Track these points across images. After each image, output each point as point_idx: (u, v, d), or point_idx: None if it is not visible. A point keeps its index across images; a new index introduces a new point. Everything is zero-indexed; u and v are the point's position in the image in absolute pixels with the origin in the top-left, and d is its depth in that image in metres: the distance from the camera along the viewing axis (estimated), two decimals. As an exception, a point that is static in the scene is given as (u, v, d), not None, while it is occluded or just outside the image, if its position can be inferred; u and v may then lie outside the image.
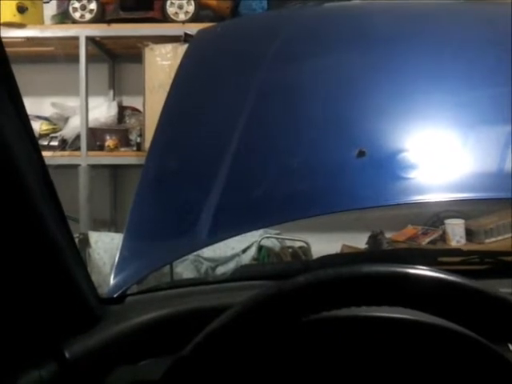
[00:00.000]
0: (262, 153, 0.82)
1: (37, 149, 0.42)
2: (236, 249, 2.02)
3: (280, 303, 0.35)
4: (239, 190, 0.78)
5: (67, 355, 0.45)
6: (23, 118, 0.40)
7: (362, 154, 0.76)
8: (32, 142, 0.41)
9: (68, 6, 2.39)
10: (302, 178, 0.79)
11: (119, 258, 0.69)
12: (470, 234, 2.22)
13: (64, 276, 0.45)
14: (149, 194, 0.82)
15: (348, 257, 1.06)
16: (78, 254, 0.47)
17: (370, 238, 2.16)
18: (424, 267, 0.35)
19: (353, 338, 0.44)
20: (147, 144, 2.24)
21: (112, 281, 0.66)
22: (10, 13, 2.24)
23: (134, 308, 0.57)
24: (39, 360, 0.44)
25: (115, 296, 0.62)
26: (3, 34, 2.19)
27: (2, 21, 2.22)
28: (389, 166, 0.76)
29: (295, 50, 0.98)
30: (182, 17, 2.36)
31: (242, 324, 0.36)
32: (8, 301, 0.42)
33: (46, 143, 2.28)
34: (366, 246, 2.16)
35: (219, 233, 0.74)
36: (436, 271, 0.35)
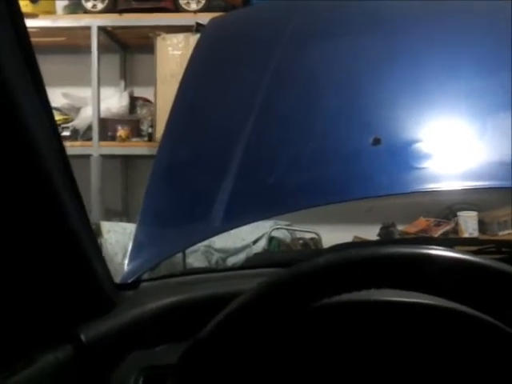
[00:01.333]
0: (275, 140, 0.81)
1: (58, 137, 0.42)
2: (247, 240, 2.02)
3: (300, 284, 0.35)
4: (252, 178, 0.78)
5: (83, 339, 0.45)
6: (47, 108, 0.40)
7: (377, 141, 0.76)
8: (54, 130, 0.41)
9: (80, -5, 2.39)
10: (316, 166, 0.78)
11: (133, 244, 0.69)
12: (483, 226, 2.19)
13: (81, 261, 0.45)
14: (162, 182, 0.82)
15: (361, 245, 1.06)
16: (94, 239, 0.47)
17: (381, 229, 2.15)
18: (448, 248, 0.34)
19: (366, 322, 0.43)
20: (158, 134, 2.24)
21: (126, 267, 0.66)
22: (22, 3, 2.24)
23: (148, 294, 0.57)
24: (56, 343, 0.45)
25: (129, 282, 0.62)
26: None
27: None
28: (404, 154, 0.75)
29: (307, 37, 0.97)
30: (193, 6, 2.35)
31: (262, 304, 0.36)
32: (27, 284, 0.42)
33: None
34: (378, 237, 2.15)
35: (232, 220, 0.74)
36: (460, 252, 0.34)
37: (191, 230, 0.73)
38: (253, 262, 0.83)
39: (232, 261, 1.99)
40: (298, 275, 0.35)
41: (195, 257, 1.91)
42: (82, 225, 0.45)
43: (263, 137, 0.83)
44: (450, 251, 0.34)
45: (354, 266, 0.33)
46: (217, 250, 1.97)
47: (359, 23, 0.93)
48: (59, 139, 0.43)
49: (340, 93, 0.84)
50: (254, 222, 0.86)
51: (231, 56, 1.00)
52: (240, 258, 2.00)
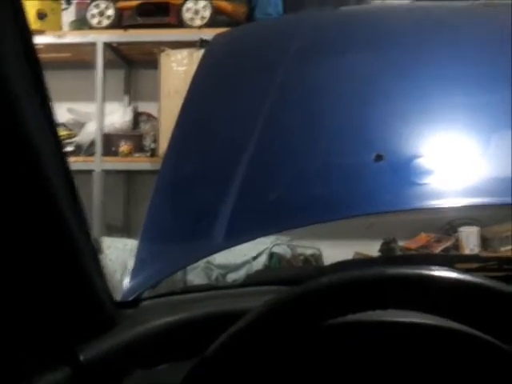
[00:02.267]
0: (278, 157, 0.81)
1: (63, 153, 0.42)
2: (247, 256, 2.01)
3: (304, 303, 0.35)
4: (255, 194, 0.78)
5: (82, 359, 0.45)
6: (52, 124, 0.40)
7: (379, 158, 0.76)
8: (59, 147, 0.41)
9: (86, 12, 2.42)
10: (318, 182, 0.78)
11: (135, 261, 0.69)
12: (484, 241, 2.18)
13: (82, 278, 0.45)
14: (165, 198, 0.82)
15: (363, 262, 1.05)
16: (96, 256, 0.47)
17: (382, 245, 2.14)
18: (452, 269, 0.34)
19: (371, 342, 0.43)
20: (161, 150, 2.25)
21: (127, 284, 0.66)
22: (30, 20, 2.27)
23: (149, 312, 0.56)
24: (54, 364, 0.44)
25: (130, 300, 0.61)
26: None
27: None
28: (406, 171, 0.75)
29: (312, 54, 0.98)
30: (197, 22, 2.37)
31: (267, 324, 0.35)
32: (26, 302, 0.42)
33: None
34: (379, 253, 2.14)
35: (235, 237, 0.74)
36: (462, 272, 0.34)
37: (194, 246, 0.73)
38: (254, 280, 0.83)
39: (232, 277, 1.98)
40: (302, 295, 0.34)
41: (195, 273, 1.90)
42: (85, 241, 0.45)
43: (266, 153, 0.83)
44: (452, 272, 0.34)
45: (359, 287, 0.33)
46: (217, 266, 1.96)
47: (363, 41, 0.94)
48: (64, 155, 0.43)
49: (343, 109, 0.84)
50: (256, 238, 0.86)
51: (236, 72, 1.01)
52: (240, 274, 1.99)
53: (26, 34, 0.36)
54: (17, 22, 0.35)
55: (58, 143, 0.41)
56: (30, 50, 0.36)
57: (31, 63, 0.36)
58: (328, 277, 0.34)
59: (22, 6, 0.36)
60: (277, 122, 0.87)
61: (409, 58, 0.88)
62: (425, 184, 0.74)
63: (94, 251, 0.47)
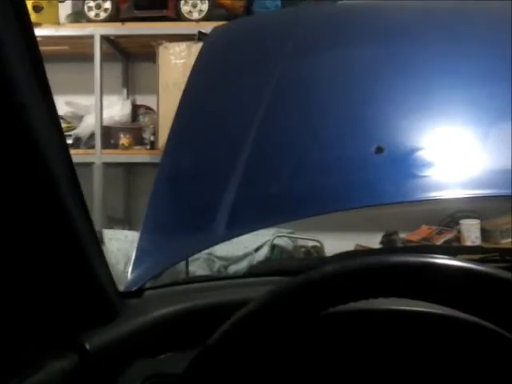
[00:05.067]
0: (278, 149, 0.81)
1: (65, 145, 0.43)
2: (249, 248, 2.02)
3: (308, 292, 0.35)
4: (256, 186, 0.78)
5: (88, 347, 0.45)
6: (54, 116, 0.40)
7: (380, 150, 0.76)
8: (61, 139, 0.42)
9: (83, 5, 2.41)
10: (319, 174, 0.78)
11: (137, 252, 0.69)
12: (485, 234, 2.19)
13: (86, 268, 0.45)
14: (166, 189, 0.82)
15: (365, 253, 1.06)
16: (99, 247, 0.48)
17: (383, 237, 2.14)
18: (453, 257, 0.34)
19: (372, 332, 0.43)
20: (160, 142, 2.25)
21: (130, 275, 0.66)
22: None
23: (152, 302, 0.57)
24: (60, 352, 0.44)
25: (133, 290, 0.62)
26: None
27: (18, 20, 2.24)
28: (407, 163, 0.76)
29: (310, 46, 0.98)
30: (195, 15, 2.37)
31: (270, 312, 0.36)
32: (31, 291, 0.42)
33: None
34: (380, 245, 2.15)
35: (236, 228, 0.74)
36: (465, 261, 0.34)
37: (195, 237, 0.73)
38: (255, 271, 0.83)
39: (234, 269, 1.98)
40: (306, 283, 0.35)
41: (197, 265, 1.91)
42: (88, 232, 0.45)
43: (267, 145, 0.83)
44: (455, 260, 0.34)
45: (362, 274, 0.33)
46: (218, 258, 1.97)
47: (362, 33, 0.94)
48: (66, 147, 0.43)
49: (343, 101, 0.84)
50: (257, 229, 0.86)
51: (234, 64, 1.01)
52: (242, 265, 1.99)
53: (26, 27, 0.36)
54: (17, 15, 0.35)
55: (60, 135, 0.42)
56: (31, 43, 0.36)
57: (32, 57, 0.36)
58: (332, 265, 0.35)
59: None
60: (276, 113, 0.87)
61: (409, 50, 0.88)
62: (425, 176, 0.74)
63: (97, 241, 0.47)
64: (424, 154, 0.76)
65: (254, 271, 0.83)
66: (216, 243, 0.76)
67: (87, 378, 0.45)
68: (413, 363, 0.45)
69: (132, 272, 0.66)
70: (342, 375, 0.43)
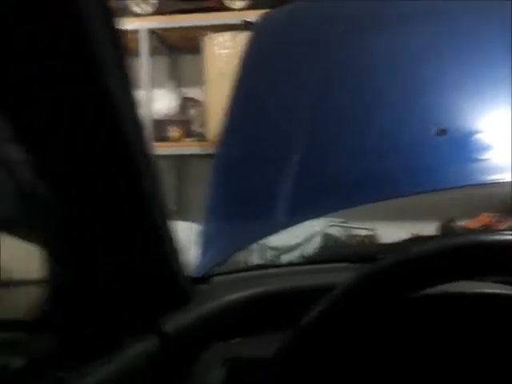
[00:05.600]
0: (336, 134, 0.81)
1: (142, 131, 0.44)
2: (300, 237, 2.01)
3: (401, 274, 0.35)
4: (314, 172, 0.78)
5: (168, 331, 0.47)
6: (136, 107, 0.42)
7: (442, 132, 0.74)
8: (142, 130, 0.43)
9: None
10: (377, 159, 0.77)
11: (202, 240, 0.71)
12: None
13: (162, 254, 0.46)
14: (224, 178, 0.83)
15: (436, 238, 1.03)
16: (172, 233, 0.49)
17: (440, 226, 2.08)
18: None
19: (454, 315, 0.42)
20: (209, 133, 2.27)
21: (196, 261, 0.68)
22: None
23: (222, 287, 0.58)
24: (141, 335, 0.46)
25: (201, 276, 0.63)
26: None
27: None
28: (469, 145, 0.73)
29: (363, 29, 0.96)
30: (238, 4, 2.36)
31: (364, 293, 0.36)
32: (116, 279, 0.44)
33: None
34: (438, 234, 2.09)
35: (297, 215, 0.74)
36: None
37: (256, 225, 0.74)
38: (320, 257, 0.83)
39: (285, 258, 1.98)
40: (398, 265, 0.35)
41: (249, 254, 1.92)
42: (163, 219, 0.46)
43: (323, 131, 0.83)
44: None
45: (457, 254, 0.33)
46: (270, 248, 1.97)
47: (420, 12, 0.91)
48: (144, 136, 0.44)
49: (401, 83, 0.83)
50: (317, 217, 0.86)
51: (286, 52, 1.00)
52: (293, 255, 1.99)
53: (110, 18, 0.37)
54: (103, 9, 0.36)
55: (141, 127, 0.43)
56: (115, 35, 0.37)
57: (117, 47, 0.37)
58: (421, 247, 0.34)
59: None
60: (332, 99, 0.86)
61: (469, 29, 0.85)
62: (487, 159, 0.72)
63: (169, 226, 0.48)
64: (485, 137, 0.73)
65: (318, 258, 0.83)
66: (277, 231, 0.77)
67: (168, 360, 0.46)
68: (492, 346, 0.44)
69: (198, 259, 0.68)
70: (427, 358, 0.43)
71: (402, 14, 0.95)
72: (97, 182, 0.39)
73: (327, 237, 1.99)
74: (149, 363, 0.44)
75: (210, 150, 2.02)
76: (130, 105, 0.39)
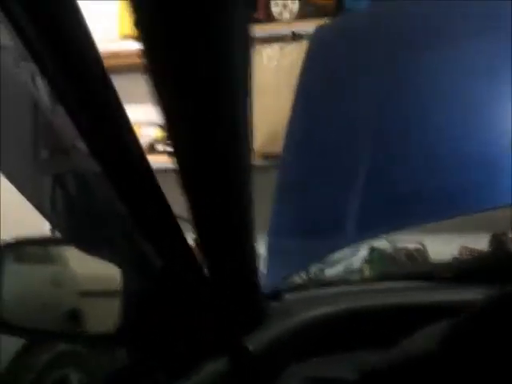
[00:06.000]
0: (405, 147, 0.78)
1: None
2: (345, 250, 1.97)
3: None
4: (383, 186, 0.76)
5: (249, 349, 0.46)
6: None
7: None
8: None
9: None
10: (450, 172, 0.75)
11: (268, 257, 0.69)
12: None
13: (247, 271, 0.45)
14: (289, 194, 0.82)
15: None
16: (256, 247, 0.47)
17: (491, 238, 2.01)
18: None
19: None
20: (257, 145, 2.26)
21: (263, 278, 0.66)
22: (128, 25, 2.38)
23: (295, 305, 0.57)
24: (222, 353, 0.45)
25: (272, 292, 0.62)
26: (122, 47, 2.31)
27: (120, 34, 2.36)
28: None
29: (426, 39, 0.94)
30: (286, 16, 2.36)
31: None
32: (197, 297, 0.43)
33: (161, 149, 2.36)
34: (488, 247, 2.02)
35: (365, 230, 0.72)
36: None
37: (323, 241, 0.72)
38: (385, 276, 0.81)
39: (329, 272, 1.95)
40: None
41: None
42: (252, 234, 0.45)
43: (391, 143, 0.81)
44: None
45: None
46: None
47: (476, 27, 0.88)
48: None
49: (473, 96, 0.80)
50: (387, 233, 0.83)
51: (347, 64, 0.99)
52: (337, 269, 1.95)
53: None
54: None
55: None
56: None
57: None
58: None
59: None
60: (400, 110, 0.84)
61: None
62: None
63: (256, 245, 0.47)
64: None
65: (383, 276, 0.80)
66: (344, 247, 0.75)
67: (250, 380, 0.45)
68: None
69: (265, 275, 0.67)
70: None
71: (462, 27, 0.93)
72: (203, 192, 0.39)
73: (373, 250, 1.95)
74: (229, 382, 0.43)
75: (258, 162, 2.01)
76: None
